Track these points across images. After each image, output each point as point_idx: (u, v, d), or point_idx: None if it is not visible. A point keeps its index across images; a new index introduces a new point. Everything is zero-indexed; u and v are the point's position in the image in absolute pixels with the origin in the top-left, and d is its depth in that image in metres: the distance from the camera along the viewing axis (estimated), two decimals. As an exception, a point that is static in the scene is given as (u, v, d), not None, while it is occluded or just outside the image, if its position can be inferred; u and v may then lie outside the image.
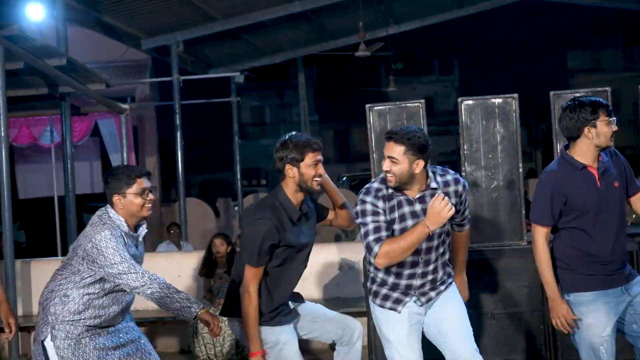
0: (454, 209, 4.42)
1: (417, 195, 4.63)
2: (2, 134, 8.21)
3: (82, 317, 4.60)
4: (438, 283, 4.79)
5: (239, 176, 18.82)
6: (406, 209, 4.64)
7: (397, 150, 4.52)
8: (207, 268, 8.40)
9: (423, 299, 4.76)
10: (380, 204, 4.60)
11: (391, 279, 4.76)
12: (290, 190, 4.84)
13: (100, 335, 4.67)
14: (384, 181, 4.65)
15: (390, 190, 4.63)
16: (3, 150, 8.22)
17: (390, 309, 4.76)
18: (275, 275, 4.86)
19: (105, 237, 4.55)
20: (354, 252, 8.59)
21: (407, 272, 4.72)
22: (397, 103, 7.32)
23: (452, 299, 4.83)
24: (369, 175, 7.25)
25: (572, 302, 4.72)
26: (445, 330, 4.78)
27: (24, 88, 10.51)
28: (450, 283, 4.87)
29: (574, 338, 4.78)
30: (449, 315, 4.79)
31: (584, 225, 4.69)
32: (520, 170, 7.09)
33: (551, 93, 7.13)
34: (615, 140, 7.12)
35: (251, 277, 4.74)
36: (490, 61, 37.60)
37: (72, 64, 9.93)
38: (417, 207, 4.63)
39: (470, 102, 7.23)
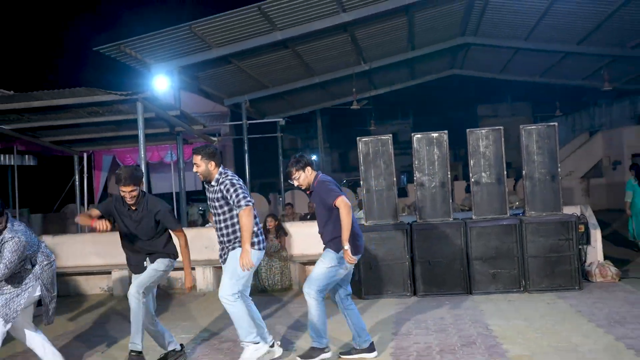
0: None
1: (212, 184, 4.52)
2: (142, 155, 8.26)
3: None
4: (227, 246, 4.52)
5: (281, 179, 18.83)
6: (208, 194, 4.58)
7: (197, 158, 4.47)
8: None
9: (221, 253, 4.58)
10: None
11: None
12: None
13: None
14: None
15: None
16: (143, 165, 8.27)
17: None
18: (121, 236, 4.78)
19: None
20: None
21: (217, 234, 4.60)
22: (376, 136, 7.33)
23: (228, 261, 4.49)
24: (359, 178, 7.27)
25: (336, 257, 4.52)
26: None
27: (154, 128, 10.57)
28: (231, 251, 4.52)
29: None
30: (224, 270, 4.52)
31: None
32: (449, 176, 7.09)
33: (467, 130, 7.14)
34: (506, 159, 7.12)
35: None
36: (432, 111, 37.40)
37: (183, 114, 9.98)
38: (211, 192, 4.54)
39: (419, 135, 7.23)
